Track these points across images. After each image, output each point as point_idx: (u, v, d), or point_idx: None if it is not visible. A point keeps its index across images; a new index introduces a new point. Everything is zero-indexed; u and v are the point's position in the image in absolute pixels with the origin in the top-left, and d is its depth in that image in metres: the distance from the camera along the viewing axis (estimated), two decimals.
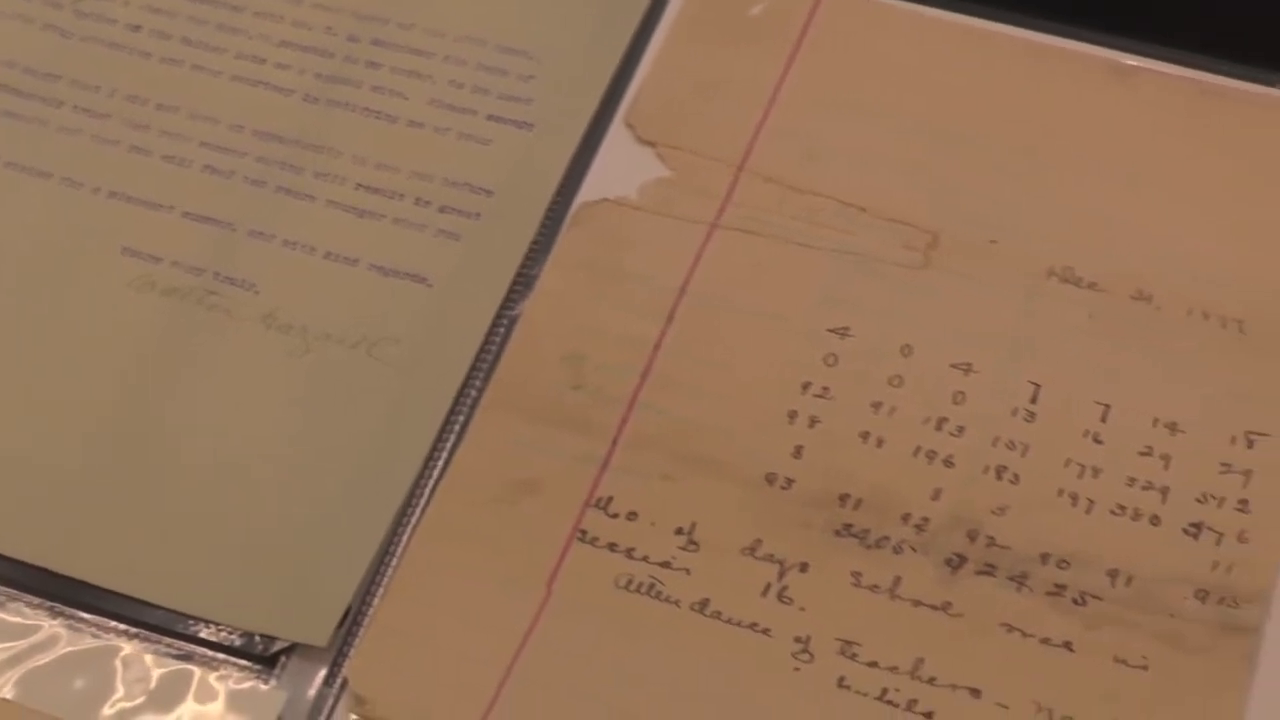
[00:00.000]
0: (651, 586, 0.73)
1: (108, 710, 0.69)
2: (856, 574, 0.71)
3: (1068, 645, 0.70)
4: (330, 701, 0.69)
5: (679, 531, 0.72)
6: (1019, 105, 0.82)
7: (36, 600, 0.73)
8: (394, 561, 0.73)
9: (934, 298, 0.77)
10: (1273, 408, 0.73)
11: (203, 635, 0.72)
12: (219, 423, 0.74)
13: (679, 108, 0.81)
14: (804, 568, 0.71)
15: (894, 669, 0.69)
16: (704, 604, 0.71)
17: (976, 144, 0.81)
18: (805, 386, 0.75)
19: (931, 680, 0.69)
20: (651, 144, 0.80)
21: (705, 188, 0.79)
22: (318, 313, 0.79)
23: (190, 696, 0.70)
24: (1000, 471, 0.72)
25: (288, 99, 0.85)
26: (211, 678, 0.70)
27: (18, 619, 0.71)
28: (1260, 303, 0.77)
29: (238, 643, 0.68)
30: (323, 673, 0.71)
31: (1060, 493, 0.72)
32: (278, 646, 0.70)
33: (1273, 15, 0.85)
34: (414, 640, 0.70)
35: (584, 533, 0.74)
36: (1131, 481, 0.72)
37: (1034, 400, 0.74)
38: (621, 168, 0.79)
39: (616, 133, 0.81)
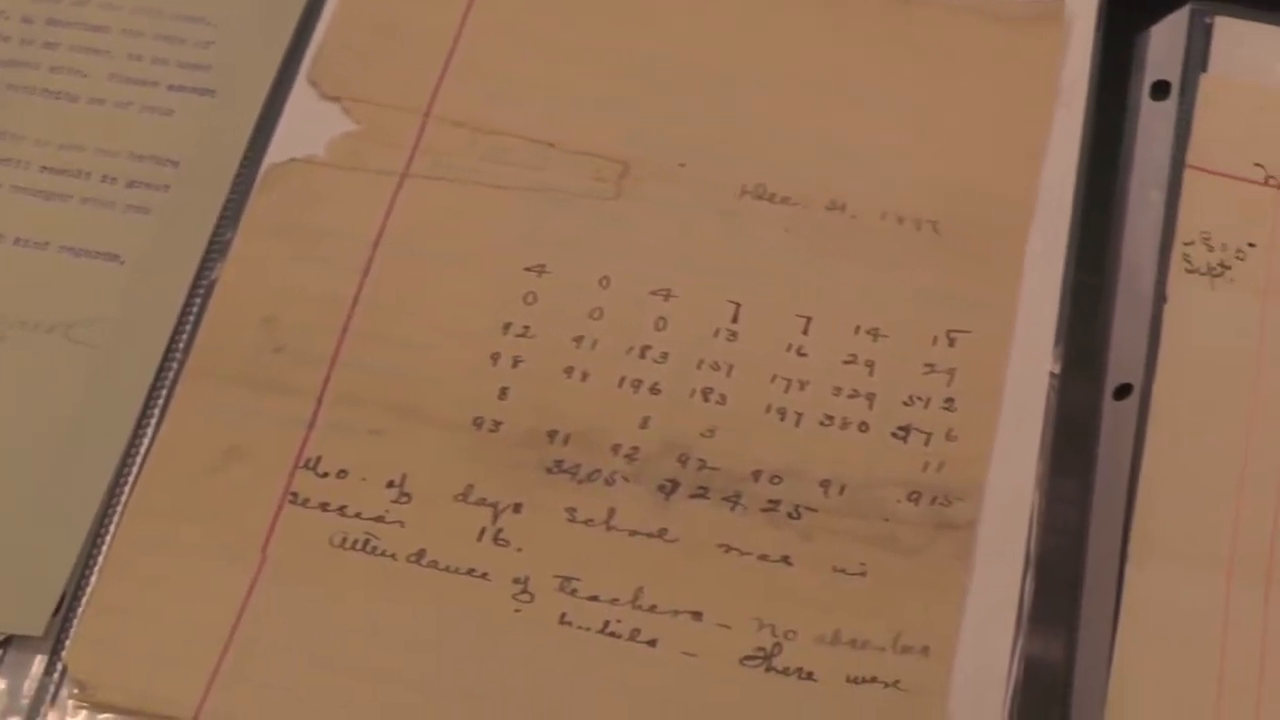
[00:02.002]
0: (367, 542, 0.73)
1: None
2: (571, 509, 0.70)
3: (786, 559, 0.69)
4: (51, 690, 0.67)
5: (390, 485, 0.71)
6: (704, 27, 0.82)
7: None
8: (107, 542, 0.70)
9: (629, 227, 0.76)
10: (971, 305, 0.74)
11: None
12: None
13: (361, 60, 0.80)
14: (518, 508, 0.70)
15: (615, 600, 0.68)
16: (420, 555, 0.69)
17: (664, 70, 0.80)
18: (506, 327, 0.74)
19: (653, 608, 0.68)
20: (336, 99, 0.79)
21: (393, 138, 0.78)
22: (10, 300, 0.77)
23: None
24: (707, 394, 0.72)
25: None
26: None
27: None
28: (953, 203, 0.77)
29: None
30: (42, 661, 0.69)
31: (768, 409, 0.71)
32: None
33: None
34: (132, 619, 0.69)
35: (295, 495, 0.73)
36: (838, 391, 0.72)
37: (735, 320, 0.73)
38: (308, 126, 0.77)
39: (300, 91, 0.79)
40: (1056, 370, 0.72)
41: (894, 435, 0.71)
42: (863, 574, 0.69)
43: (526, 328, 0.74)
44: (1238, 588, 0.68)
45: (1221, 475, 0.70)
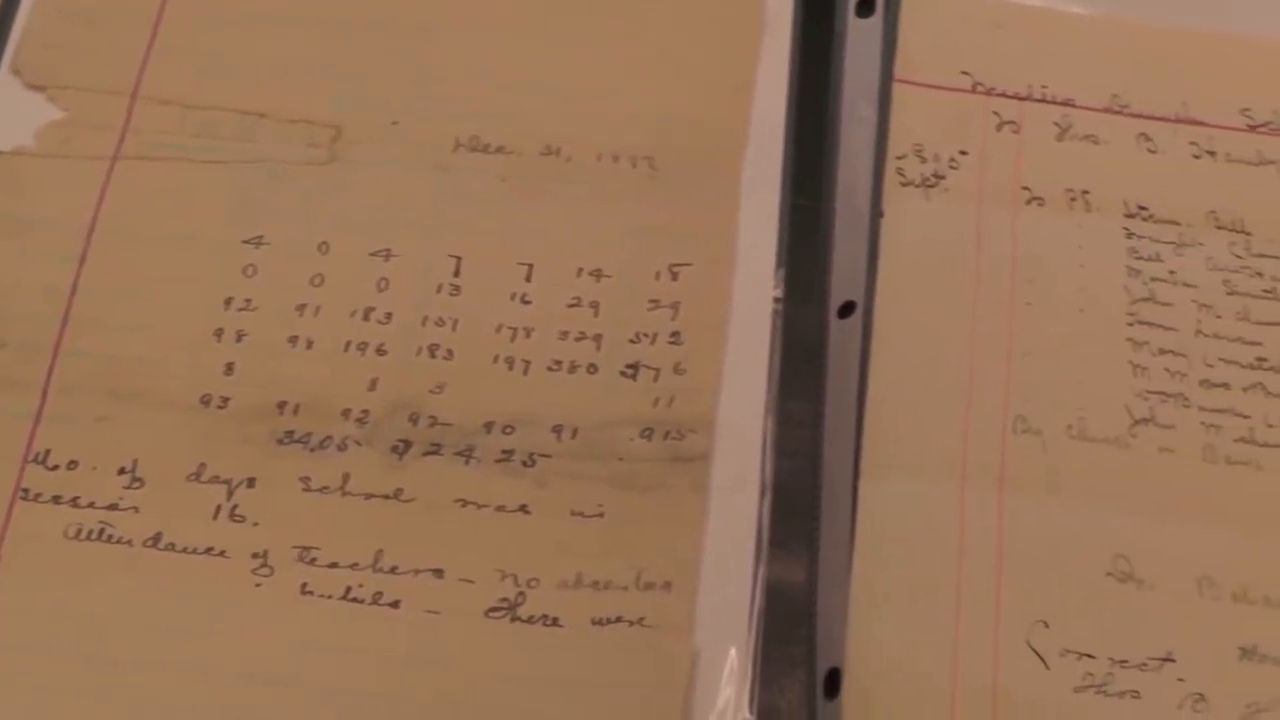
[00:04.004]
0: (102, 531, 0.72)
1: None
2: (305, 479, 0.69)
3: (523, 508, 0.69)
4: None
5: (122, 471, 0.70)
6: None
7: None
8: None
9: (345, 190, 0.76)
10: (691, 238, 0.74)
11: None
12: None
13: (63, 47, 0.78)
14: (251, 483, 0.69)
15: (355, 566, 0.68)
16: (157, 538, 0.69)
17: (370, 30, 0.80)
18: (228, 302, 0.73)
19: (393, 570, 0.68)
20: (40, 88, 0.77)
21: (102, 122, 0.76)
22: None
23: None
24: (433, 350, 0.71)
25: None
26: None
27: None
28: (666, 138, 0.77)
29: None
30: None
31: (495, 359, 0.71)
32: None
33: None
34: None
35: (26, 491, 0.72)
36: (564, 335, 0.71)
37: (457, 274, 0.73)
38: (14, 118, 0.76)
39: (4, 83, 0.77)
40: (780, 295, 0.72)
41: (623, 374, 0.71)
42: (601, 515, 0.68)
43: (248, 301, 0.73)
44: (971, 495, 0.68)
45: (948, 384, 0.71)
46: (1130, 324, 0.72)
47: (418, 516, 0.69)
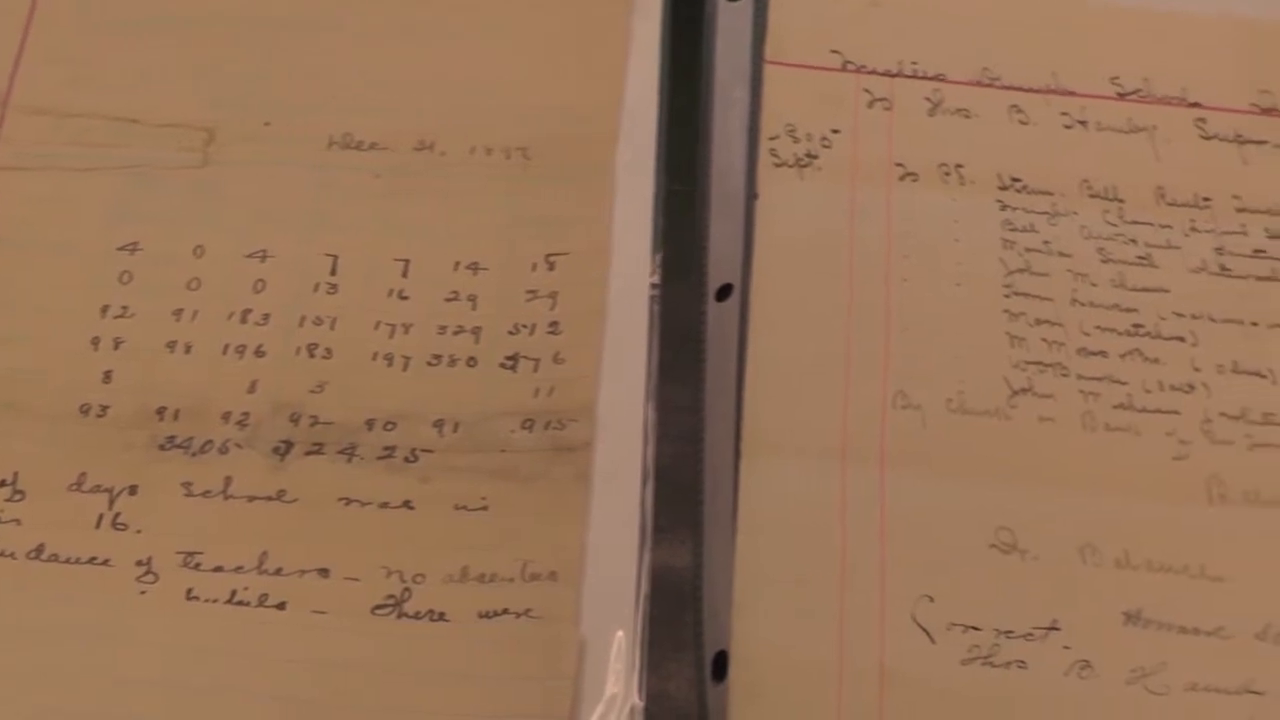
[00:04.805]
0: None
1: None
2: (187, 484, 0.69)
3: (407, 504, 0.69)
4: None
5: (2, 484, 0.71)
6: None
7: None
8: None
9: (219, 193, 0.75)
10: (567, 226, 0.74)
11: None
12: None
13: None
14: (134, 490, 0.69)
15: (239, 569, 0.68)
16: (39, 550, 0.68)
17: (241, 30, 0.80)
18: (104, 310, 0.73)
19: (279, 571, 0.68)
20: None
21: None
22: None
23: None
24: (312, 349, 0.71)
25: None
26: None
27: None
28: (539, 128, 0.77)
29: None
30: None
31: (375, 356, 0.71)
32: None
33: None
34: None
35: None
36: (443, 329, 0.71)
37: (334, 272, 0.73)
38: None
39: None
40: (657, 280, 0.72)
41: (503, 366, 0.71)
42: (485, 508, 0.68)
43: (125, 308, 0.73)
44: (852, 472, 0.69)
45: (827, 362, 0.71)
46: (1006, 295, 0.72)
47: (301, 517, 0.69)
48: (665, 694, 0.66)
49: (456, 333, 0.71)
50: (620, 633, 0.66)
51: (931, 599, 0.67)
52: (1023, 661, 0.66)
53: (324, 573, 0.67)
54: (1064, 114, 0.76)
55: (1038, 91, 0.76)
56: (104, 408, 0.70)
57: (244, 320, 0.72)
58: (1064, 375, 0.71)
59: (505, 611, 0.66)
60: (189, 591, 0.67)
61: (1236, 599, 0.69)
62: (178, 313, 0.72)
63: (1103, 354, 0.71)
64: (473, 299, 0.72)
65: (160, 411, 0.70)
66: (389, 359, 0.71)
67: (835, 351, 0.71)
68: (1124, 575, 0.67)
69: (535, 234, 0.73)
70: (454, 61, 0.77)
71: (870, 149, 0.75)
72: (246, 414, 0.70)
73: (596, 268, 0.72)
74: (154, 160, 0.75)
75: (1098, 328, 0.72)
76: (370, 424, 0.69)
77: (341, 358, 0.71)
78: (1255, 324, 0.73)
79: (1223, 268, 0.74)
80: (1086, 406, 0.70)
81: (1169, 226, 0.75)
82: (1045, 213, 0.74)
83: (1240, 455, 0.70)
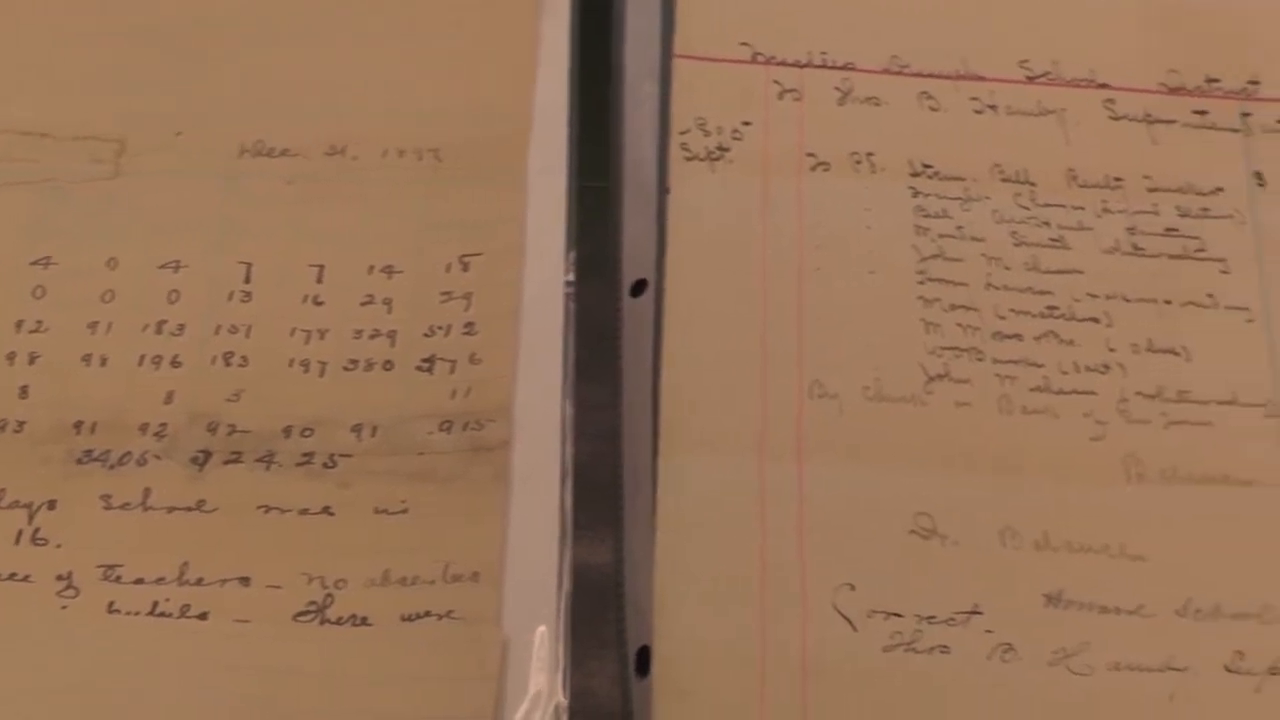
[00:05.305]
0: None
1: None
2: (106, 497, 0.69)
3: (327, 510, 0.69)
4: None
5: None
6: None
7: None
8: None
9: (131, 204, 0.76)
10: (480, 227, 0.75)
11: None
12: None
13: None
14: (52, 505, 0.69)
15: (161, 580, 0.68)
16: None
17: (150, 41, 0.80)
18: (19, 325, 0.73)
19: (200, 581, 0.68)
20: None
21: None
22: None
23: None
24: (228, 358, 0.71)
25: None
26: None
27: None
28: (451, 129, 0.78)
29: None
30: None
31: (291, 363, 0.71)
32: None
33: None
34: None
35: None
36: (359, 334, 0.72)
37: (248, 280, 0.73)
38: None
39: None
40: (572, 278, 0.72)
41: (419, 369, 0.71)
42: (405, 511, 0.68)
43: (39, 322, 0.73)
44: (770, 464, 0.69)
45: (742, 355, 0.71)
46: (920, 282, 0.73)
47: (221, 526, 0.69)
48: (589, 691, 0.66)
49: (372, 337, 0.71)
50: (543, 630, 0.65)
51: (853, 587, 0.67)
52: (945, 646, 0.66)
53: (245, 581, 0.67)
54: (974, 99, 0.76)
55: (947, 77, 0.77)
56: (20, 423, 0.70)
57: (159, 331, 0.71)
58: (979, 360, 0.71)
59: (428, 614, 0.66)
60: (110, 604, 0.67)
61: (1156, 577, 0.69)
62: (92, 325, 0.72)
63: (1018, 337, 0.71)
64: (388, 302, 0.72)
65: (77, 425, 0.70)
66: (305, 365, 0.70)
67: (750, 344, 0.71)
68: (1044, 557, 0.68)
69: (449, 236, 0.73)
70: (364, 66, 0.77)
71: (781, 140, 0.75)
72: (164, 425, 0.70)
73: (511, 268, 0.72)
74: (65, 173, 0.75)
75: (1012, 311, 0.72)
76: (288, 431, 0.69)
77: (257, 365, 0.71)
78: (1169, 302, 0.73)
79: (1135, 247, 0.74)
80: (1003, 390, 0.71)
81: (1081, 208, 0.75)
82: (957, 198, 0.74)
83: (1157, 434, 0.71)
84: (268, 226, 0.74)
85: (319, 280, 0.72)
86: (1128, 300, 0.73)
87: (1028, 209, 0.74)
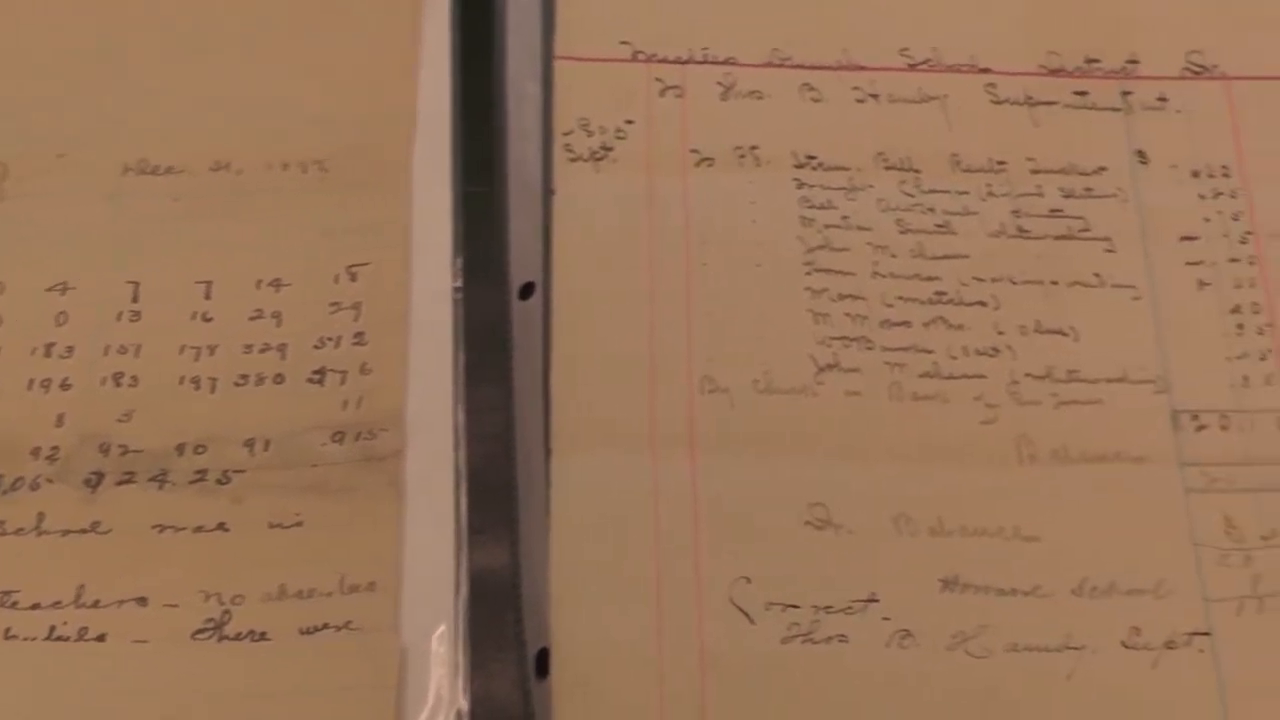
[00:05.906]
0: None
1: None
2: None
3: (222, 526, 0.69)
4: None
5: None
6: (60, 9, 0.80)
7: None
8: None
9: (15, 228, 0.76)
10: (367, 236, 0.75)
11: None
12: None
13: None
14: None
15: (57, 604, 0.68)
16: None
17: (28, 61, 0.79)
18: None
19: (96, 604, 0.68)
20: None
21: None
22: None
23: None
24: (118, 379, 0.71)
25: None
26: None
27: None
28: (335, 139, 0.78)
29: None
30: None
31: (181, 381, 0.71)
32: None
33: None
34: None
35: None
36: (248, 348, 0.72)
37: (136, 299, 0.73)
38: None
39: None
40: (460, 283, 0.72)
41: (310, 381, 0.71)
42: (300, 524, 0.69)
43: None
44: (663, 460, 0.69)
45: (631, 353, 0.72)
46: (808, 273, 0.73)
47: (116, 547, 0.69)
48: (490, 695, 0.66)
49: (262, 351, 0.71)
50: (442, 631, 0.65)
51: (749, 580, 0.67)
52: (843, 636, 0.67)
53: (142, 601, 0.67)
54: (855, 89, 0.77)
55: (829, 68, 0.77)
56: None
57: (48, 354, 0.71)
58: (869, 348, 0.71)
59: (325, 626, 0.66)
60: (7, 631, 0.67)
61: (1051, 557, 0.70)
62: None
63: (906, 324, 0.72)
64: (277, 316, 0.72)
65: None
66: (196, 382, 0.71)
67: (640, 341, 0.71)
68: (939, 542, 0.68)
69: (336, 246, 0.73)
70: (245, 79, 0.77)
71: (665, 138, 0.75)
72: (56, 448, 0.69)
73: (398, 275, 0.73)
74: None
75: (900, 298, 0.72)
76: (180, 449, 0.69)
77: (148, 384, 0.71)
78: (1055, 283, 0.74)
79: (1020, 229, 0.74)
80: (893, 378, 0.71)
81: (966, 193, 0.75)
82: (842, 188, 0.75)
83: (1047, 414, 0.71)
84: (155, 244, 0.74)
85: (207, 296, 0.72)
86: (1015, 283, 0.73)
87: (912, 196, 0.74)
